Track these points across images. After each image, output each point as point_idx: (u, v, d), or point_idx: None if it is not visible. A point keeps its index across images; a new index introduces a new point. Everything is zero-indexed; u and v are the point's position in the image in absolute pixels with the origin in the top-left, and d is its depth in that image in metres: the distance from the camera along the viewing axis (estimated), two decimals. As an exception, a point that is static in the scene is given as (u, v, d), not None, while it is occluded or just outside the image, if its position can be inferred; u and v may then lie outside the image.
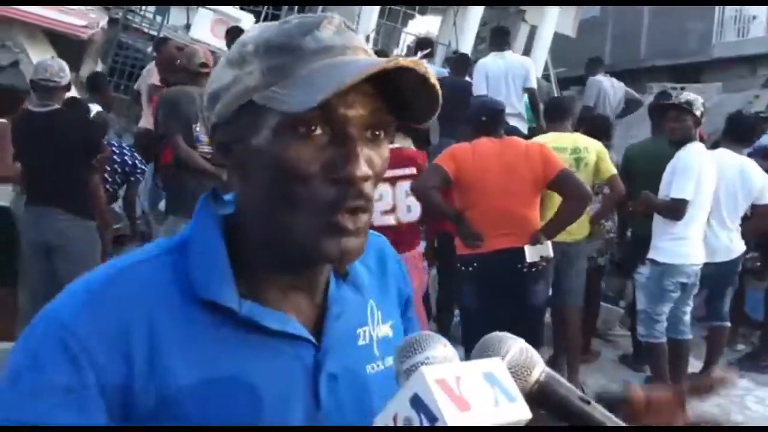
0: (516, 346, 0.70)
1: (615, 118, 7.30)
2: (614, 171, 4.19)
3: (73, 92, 6.98)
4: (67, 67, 3.99)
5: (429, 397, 0.58)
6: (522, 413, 0.62)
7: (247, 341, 0.71)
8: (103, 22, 8.02)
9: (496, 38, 6.52)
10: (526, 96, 6.15)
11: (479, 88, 6.05)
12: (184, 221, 3.90)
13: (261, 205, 0.71)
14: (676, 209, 3.83)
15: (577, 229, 4.05)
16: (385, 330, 0.84)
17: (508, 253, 3.40)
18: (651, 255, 4.03)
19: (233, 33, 6.03)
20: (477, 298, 3.52)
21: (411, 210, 3.84)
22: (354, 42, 0.71)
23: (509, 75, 6.09)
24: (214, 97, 0.73)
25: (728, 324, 4.52)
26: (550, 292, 4.15)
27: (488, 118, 3.64)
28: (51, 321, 0.67)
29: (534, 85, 6.23)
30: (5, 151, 4.07)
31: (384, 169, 0.72)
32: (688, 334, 4.19)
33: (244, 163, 0.71)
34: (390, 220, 3.78)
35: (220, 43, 9.07)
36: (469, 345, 3.69)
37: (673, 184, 3.85)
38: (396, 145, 3.72)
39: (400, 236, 3.68)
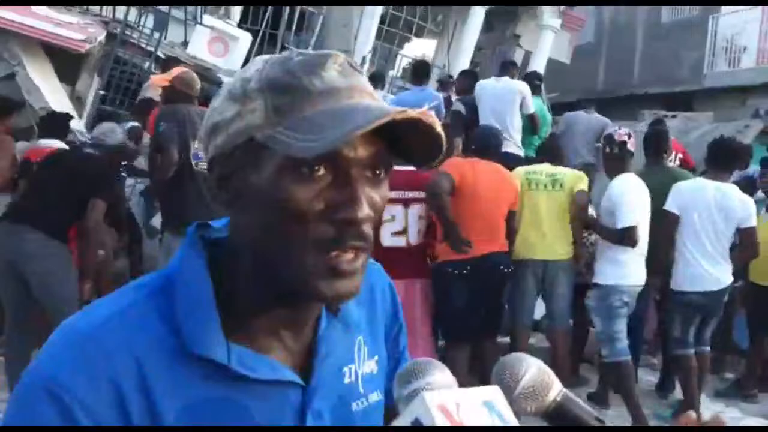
0: (534, 366, 0.73)
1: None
2: (582, 187, 4.41)
3: (67, 106, 7.02)
4: (116, 131, 4.40)
5: (429, 421, 0.60)
6: None
7: (236, 388, 0.71)
8: (101, 36, 8.04)
9: (501, 68, 6.74)
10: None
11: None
12: (180, 238, 3.79)
13: (257, 239, 0.70)
14: (628, 237, 4.03)
15: (561, 248, 4.32)
16: (370, 366, 0.85)
17: (494, 256, 3.94)
18: (594, 279, 4.23)
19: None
20: (467, 296, 3.86)
21: (421, 234, 3.99)
22: (359, 83, 0.71)
23: (503, 100, 6.15)
24: (214, 130, 0.72)
25: (708, 349, 4.53)
26: (543, 313, 4.37)
27: (479, 148, 4.11)
28: (40, 376, 0.66)
29: (532, 110, 6.29)
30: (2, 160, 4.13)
31: (383, 207, 0.72)
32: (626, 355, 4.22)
33: (241, 197, 0.71)
34: (400, 241, 3.95)
35: (216, 60, 9.13)
36: (454, 344, 3.92)
37: (618, 216, 4.03)
38: (410, 168, 3.80)
39: (409, 258, 3.89)
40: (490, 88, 6.23)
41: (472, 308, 3.86)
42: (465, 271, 3.87)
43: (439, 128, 0.68)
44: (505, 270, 4.02)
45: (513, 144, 6.03)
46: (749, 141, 8.36)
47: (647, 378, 5.06)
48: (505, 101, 6.13)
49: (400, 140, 0.70)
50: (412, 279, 3.91)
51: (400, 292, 0.90)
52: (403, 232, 3.93)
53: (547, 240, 4.29)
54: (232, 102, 0.71)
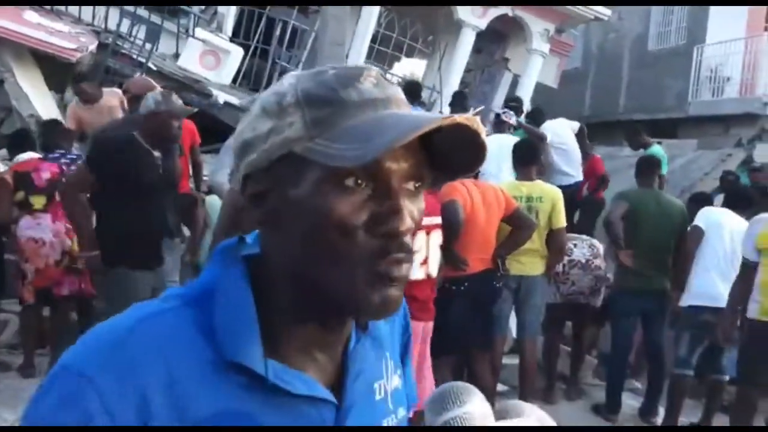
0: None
1: None
2: (563, 225, 4.52)
3: (55, 114, 7.00)
4: None
5: None
6: None
7: (271, 403, 0.70)
8: (93, 46, 8.06)
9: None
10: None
11: None
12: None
13: (296, 256, 0.69)
14: None
15: (530, 267, 4.48)
16: (396, 381, 0.85)
17: (488, 273, 4.13)
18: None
19: None
20: (465, 310, 4.00)
21: (437, 265, 3.72)
22: (395, 95, 0.70)
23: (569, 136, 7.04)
24: (246, 147, 0.71)
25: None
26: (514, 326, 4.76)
27: None
28: (72, 372, 0.65)
29: None
30: None
31: (421, 220, 0.72)
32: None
33: (278, 213, 0.70)
34: (420, 273, 3.57)
35: (206, 73, 9.16)
36: (443, 357, 3.95)
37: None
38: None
39: (429, 293, 3.68)
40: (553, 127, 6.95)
41: (466, 322, 4.02)
42: (463, 287, 4.03)
43: (484, 135, 0.68)
44: (497, 285, 4.22)
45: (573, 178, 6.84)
46: (733, 168, 8.49)
47: (629, 402, 5.02)
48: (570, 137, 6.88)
49: (440, 150, 0.70)
50: (428, 322, 3.70)
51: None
52: (425, 262, 3.61)
53: (522, 257, 4.40)
54: (266, 117, 0.70)
